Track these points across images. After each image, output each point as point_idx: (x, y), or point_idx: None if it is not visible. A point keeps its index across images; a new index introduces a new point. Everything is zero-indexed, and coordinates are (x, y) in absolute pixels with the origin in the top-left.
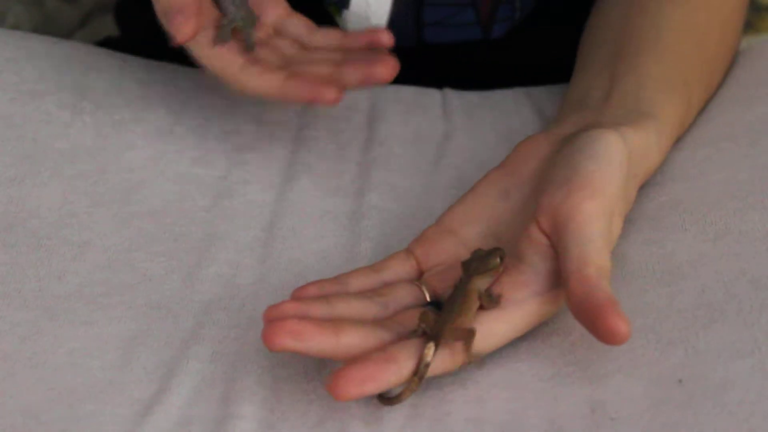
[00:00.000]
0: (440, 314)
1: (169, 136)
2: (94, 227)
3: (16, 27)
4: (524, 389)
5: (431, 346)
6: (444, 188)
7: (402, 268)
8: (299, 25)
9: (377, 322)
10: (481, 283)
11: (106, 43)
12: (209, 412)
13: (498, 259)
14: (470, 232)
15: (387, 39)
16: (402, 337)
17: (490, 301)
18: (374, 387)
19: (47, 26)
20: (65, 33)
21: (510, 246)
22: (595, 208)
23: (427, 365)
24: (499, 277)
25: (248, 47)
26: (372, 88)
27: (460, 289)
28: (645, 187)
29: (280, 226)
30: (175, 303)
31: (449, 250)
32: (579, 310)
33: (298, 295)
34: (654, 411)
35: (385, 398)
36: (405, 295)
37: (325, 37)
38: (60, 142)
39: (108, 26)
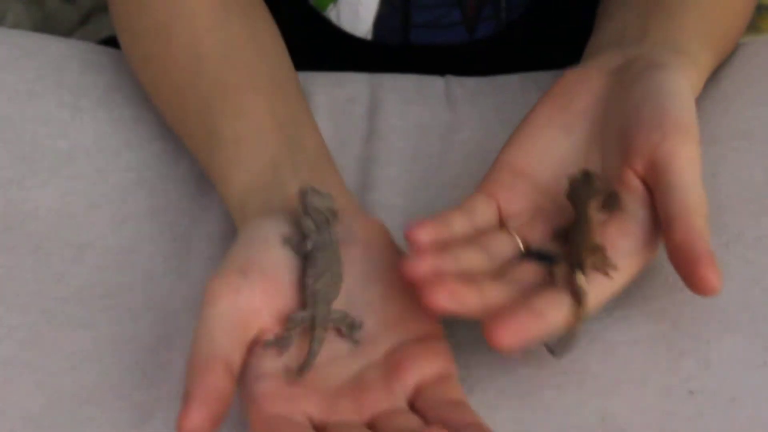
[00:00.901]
0: (572, 245)
1: (168, 135)
2: (93, 228)
3: (16, 26)
4: (533, 398)
5: (579, 274)
6: (449, 181)
7: (487, 211)
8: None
9: (499, 276)
10: (594, 205)
11: (107, 44)
12: None
13: (598, 181)
14: (543, 174)
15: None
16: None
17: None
18: (527, 337)
19: (47, 26)
20: (65, 32)
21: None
22: (693, 151)
23: (586, 292)
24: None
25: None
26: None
27: (582, 218)
28: None
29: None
30: (174, 304)
31: (528, 197)
32: (677, 256)
33: (414, 237)
34: (664, 423)
35: (552, 347)
36: (504, 246)
37: None
38: (59, 141)
39: (108, 26)
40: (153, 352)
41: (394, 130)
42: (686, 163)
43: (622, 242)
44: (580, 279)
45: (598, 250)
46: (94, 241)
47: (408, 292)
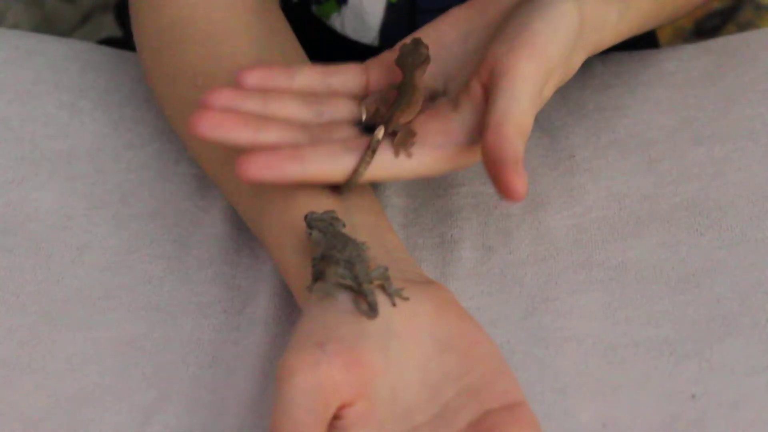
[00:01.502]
0: (391, 106)
1: (168, 135)
2: (93, 229)
3: (15, 26)
4: (535, 402)
5: (381, 127)
6: (450, 181)
7: (351, 79)
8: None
9: (304, 126)
10: (420, 74)
11: (107, 44)
12: (209, 420)
13: (424, 47)
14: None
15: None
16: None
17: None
18: (273, 175)
19: (47, 26)
20: (65, 32)
21: (453, 90)
22: (532, 68)
23: (378, 141)
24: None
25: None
26: None
27: (407, 82)
28: (659, 185)
29: None
30: (174, 305)
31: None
32: (487, 161)
33: (241, 78)
34: (666, 427)
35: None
36: (342, 109)
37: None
38: (58, 143)
39: (108, 26)
40: (152, 354)
41: None
42: (521, 78)
43: (436, 137)
44: (379, 131)
45: (409, 132)
46: (94, 243)
47: (487, 357)
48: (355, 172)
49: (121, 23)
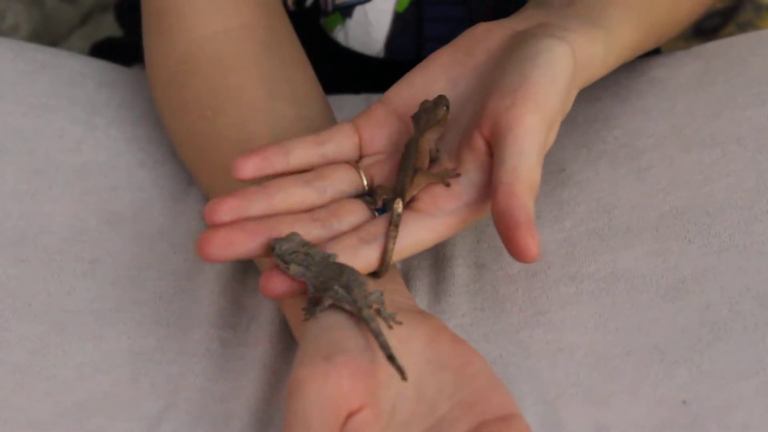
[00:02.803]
0: (398, 174)
1: (174, 155)
2: (105, 244)
3: (15, 26)
4: (528, 412)
5: (399, 201)
6: None
7: (345, 143)
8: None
9: (312, 216)
10: (431, 136)
11: (107, 43)
12: (215, 430)
13: (444, 109)
14: None
15: None
16: (335, 234)
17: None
18: (300, 289)
19: (47, 25)
20: (65, 32)
21: (450, 142)
22: (537, 121)
23: (399, 215)
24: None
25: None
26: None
27: (413, 144)
28: (649, 193)
29: None
30: (184, 320)
31: (393, 137)
32: (499, 221)
33: (238, 171)
34: None
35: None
36: (343, 180)
37: None
38: (72, 157)
39: (108, 26)
40: (161, 365)
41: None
42: (526, 133)
43: (445, 202)
44: (398, 205)
45: (420, 173)
46: (106, 257)
47: (481, 374)
48: (384, 256)
49: (121, 23)
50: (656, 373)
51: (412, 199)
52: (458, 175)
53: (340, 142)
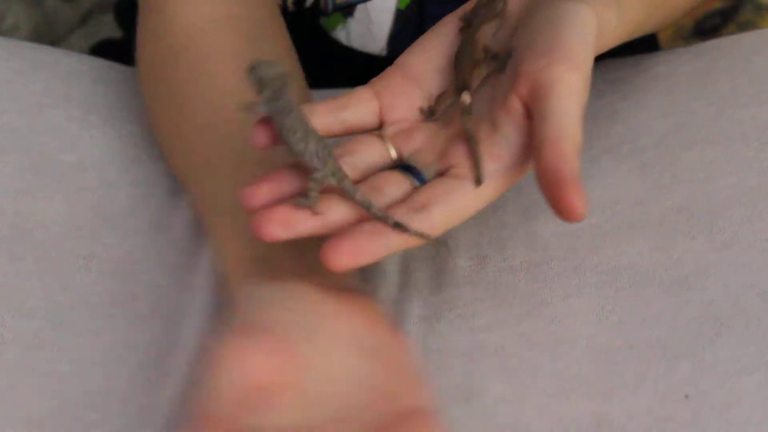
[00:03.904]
0: (456, 68)
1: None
2: (100, 239)
3: (15, 27)
4: (529, 404)
5: (465, 92)
6: None
7: (365, 110)
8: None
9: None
10: (488, 30)
11: (106, 45)
12: None
13: (501, 3)
14: (435, 85)
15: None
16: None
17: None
18: (367, 259)
19: (46, 26)
20: (64, 32)
21: (479, 104)
22: (577, 80)
23: (469, 106)
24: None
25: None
26: None
27: (469, 38)
28: (651, 189)
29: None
30: (179, 313)
31: (413, 104)
32: (544, 179)
33: (256, 139)
34: (660, 427)
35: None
36: (372, 153)
37: None
38: (67, 154)
39: (107, 26)
40: (157, 358)
41: None
42: (566, 91)
43: (489, 164)
44: (466, 96)
45: (478, 65)
46: (101, 252)
47: (403, 365)
48: (476, 160)
49: (121, 23)
50: (658, 368)
51: (455, 165)
52: (510, 56)
53: (360, 108)
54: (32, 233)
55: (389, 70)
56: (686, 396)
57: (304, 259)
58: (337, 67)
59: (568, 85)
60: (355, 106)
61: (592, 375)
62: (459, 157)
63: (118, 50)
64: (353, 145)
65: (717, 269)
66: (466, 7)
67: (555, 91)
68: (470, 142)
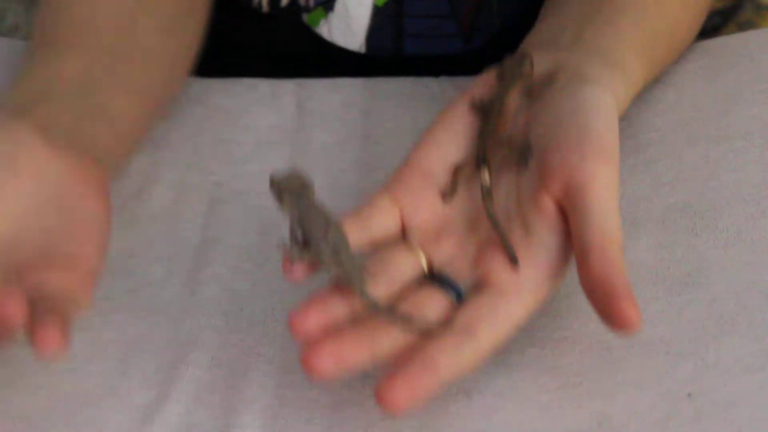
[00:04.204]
0: (480, 138)
1: (164, 142)
2: None
3: (15, 27)
4: (530, 401)
5: (484, 169)
6: None
7: (388, 220)
8: None
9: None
10: (515, 95)
11: None
12: (209, 421)
13: (529, 65)
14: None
15: None
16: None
17: (545, 85)
18: (422, 396)
19: None
20: None
21: (504, 200)
22: (612, 174)
23: (489, 186)
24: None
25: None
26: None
27: (497, 103)
28: (655, 186)
29: (278, 231)
30: (174, 308)
31: (435, 207)
32: (593, 288)
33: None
34: (662, 426)
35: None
36: (404, 266)
37: None
38: None
39: None
40: (153, 354)
41: (390, 134)
42: (604, 188)
43: (530, 273)
44: (485, 174)
45: (510, 144)
46: None
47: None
48: (504, 241)
49: None
50: (661, 366)
51: (494, 277)
52: (529, 149)
53: (382, 219)
54: None
55: (403, 170)
56: (689, 394)
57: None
58: (319, 65)
59: (604, 181)
60: (378, 217)
61: (594, 372)
62: (495, 265)
63: None
64: (384, 260)
65: (721, 267)
66: (473, 90)
67: (592, 189)
68: (494, 226)
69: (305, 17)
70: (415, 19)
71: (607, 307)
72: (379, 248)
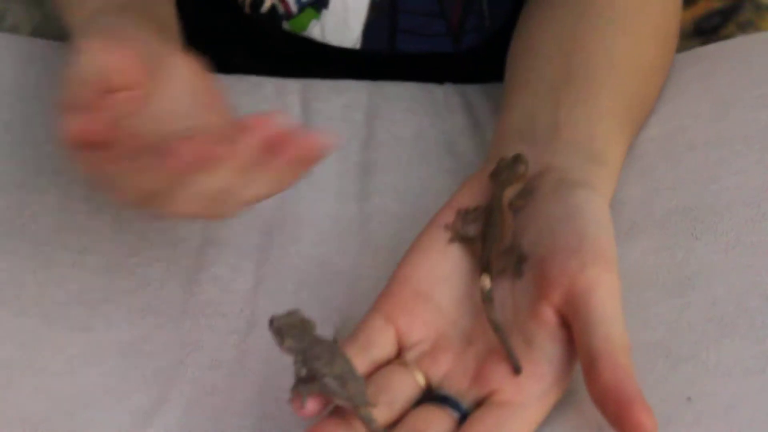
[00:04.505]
0: (483, 242)
1: None
2: (94, 233)
3: (15, 27)
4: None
5: (485, 276)
6: (448, 190)
7: (386, 342)
8: None
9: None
10: (512, 193)
11: None
12: (208, 423)
13: (523, 166)
14: (445, 296)
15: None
16: None
17: (523, 196)
18: None
19: (46, 26)
20: (64, 33)
21: (506, 310)
22: (613, 281)
23: (490, 291)
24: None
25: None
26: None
27: (495, 209)
28: (654, 191)
29: (278, 232)
30: (173, 308)
31: (430, 323)
32: (605, 397)
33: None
34: (662, 430)
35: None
36: (403, 387)
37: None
38: (60, 148)
39: None
40: (152, 356)
41: (393, 137)
42: (607, 295)
43: (532, 386)
44: (485, 280)
45: (508, 252)
46: (95, 246)
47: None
48: (508, 351)
49: None
50: (661, 369)
51: (497, 390)
52: (524, 258)
53: (380, 341)
54: (25, 227)
55: (394, 287)
56: (688, 398)
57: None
58: (306, 67)
59: (606, 287)
60: (376, 340)
61: None
62: (497, 378)
63: None
64: (383, 382)
65: (721, 270)
66: (458, 198)
67: (595, 296)
68: (497, 332)
69: (286, 25)
70: (407, 15)
71: (619, 415)
72: (378, 369)
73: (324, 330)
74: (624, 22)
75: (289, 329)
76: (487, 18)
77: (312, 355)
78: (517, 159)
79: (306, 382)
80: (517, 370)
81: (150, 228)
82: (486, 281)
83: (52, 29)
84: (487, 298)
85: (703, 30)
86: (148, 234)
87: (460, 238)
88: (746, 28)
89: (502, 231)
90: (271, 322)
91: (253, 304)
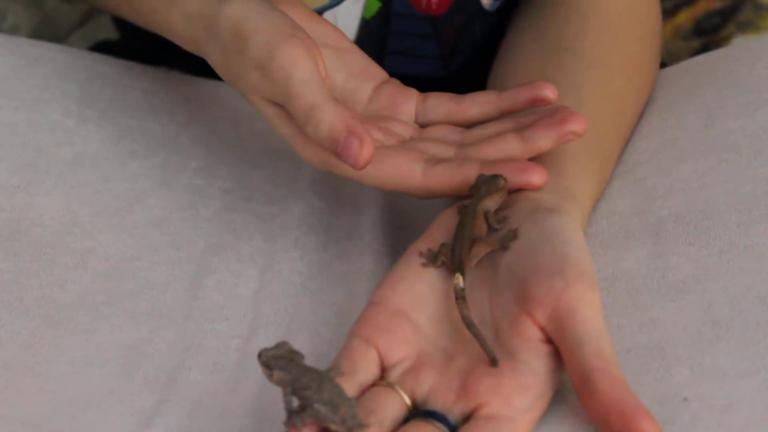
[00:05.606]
0: (455, 244)
1: (173, 145)
2: (97, 235)
3: (15, 27)
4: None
5: (458, 276)
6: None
7: (370, 365)
8: (442, 101)
9: None
10: (489, 204)
11: (104, 46)
12: (210, 425)
13: (503, 180)
14: (422, 316)
15: (551, 92)
16: None
17: (498, 222)
18: None
19: (46, 26)
20: (64, 33)
21: (485, 320)
22: (596, 298)
23: (464, 289)
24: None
25: None
26: None
27: (470, 212)
28: (646, 200)
29: (282, 239)
30: (176, 312)
31: (410, 342)
32: (606, 411)
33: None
34: None
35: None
36: (391, 406)
37: (478, 104)
38: (64, 150)
39: (107, 26)
40: (154, 358)
41: None
42: (592, 312)
43: (519, 399)
44: (458, 280)
45: (477, 242)
46: (98, 249)
47: (355, 50)
48: (480, 342)
49: (118, 25)
50: (657, 371)
51: (484, 404)
52: (516, 236)
53: (368, 368)
54: (29, 230)
55: (371, 309)
56: (685, 399)
57: None
58: None
59: (591, 305)
60: (360, 364)
61: None
62: (484, 393)
63: (116, 51)
64: (371, 405)
65: (715, 273)
66: (432, 232)
67: (582, 314)
68: (470, 329)
69: None
70: (398, 37)
71: (625, 428)
72: (364, 393)
73: (325, 333)
74: (593, 56)
75: (277, 361)
76: (479, 40)
77: (301, 385)
78: (497, 175)
79: (299, 412)
80: (493, 362)
81: (153, 232)
82: (459, 280)
83: (52, 29)
84: (459, 297)
85: (703, 30)
86: (151, 238)
87: (433, 257)
88: (746, 28)
89: (472, 232)
90: (260, 355)
91: (255, 309)
